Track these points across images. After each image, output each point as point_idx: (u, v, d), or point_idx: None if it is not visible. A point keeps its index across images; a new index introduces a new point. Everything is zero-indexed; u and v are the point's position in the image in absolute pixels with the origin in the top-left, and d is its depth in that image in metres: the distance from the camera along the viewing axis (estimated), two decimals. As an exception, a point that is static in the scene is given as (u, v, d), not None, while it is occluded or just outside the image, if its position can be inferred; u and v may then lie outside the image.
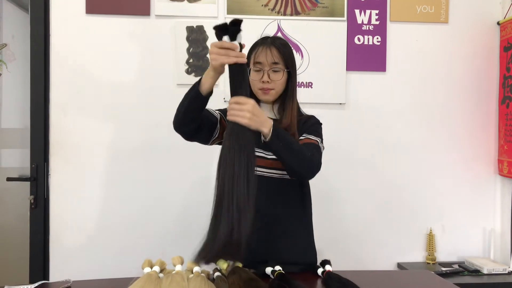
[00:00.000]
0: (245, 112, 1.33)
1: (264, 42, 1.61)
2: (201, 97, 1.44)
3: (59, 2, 2.41)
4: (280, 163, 1.55)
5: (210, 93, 1.45)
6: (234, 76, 1.37)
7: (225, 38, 1.34)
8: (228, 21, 1.34)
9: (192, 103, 1.46)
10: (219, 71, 1.40)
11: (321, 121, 1.71)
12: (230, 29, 1.34)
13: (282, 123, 1.60)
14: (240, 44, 1.36)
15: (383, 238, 2.57)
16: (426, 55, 2.58)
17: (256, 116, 1.35)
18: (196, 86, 1.44)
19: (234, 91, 1.38)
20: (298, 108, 1.68)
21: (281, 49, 1.59)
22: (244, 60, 1.35)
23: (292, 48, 2.44)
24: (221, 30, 1.35)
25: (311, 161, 1.50)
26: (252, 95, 1.64)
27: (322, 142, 1.63)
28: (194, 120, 1.50)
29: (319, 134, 1.64)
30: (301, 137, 1.60)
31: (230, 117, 1.36)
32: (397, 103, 2.57)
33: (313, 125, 1.65)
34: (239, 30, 1.34)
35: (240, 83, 1.37)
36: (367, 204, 2.56)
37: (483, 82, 2.62)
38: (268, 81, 1.57)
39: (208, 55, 2.40)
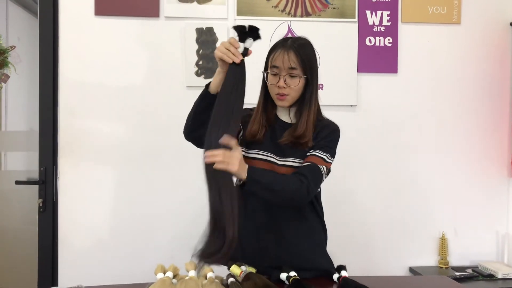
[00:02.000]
0: (217, 158, 1.33)
1: (283, 45, 1.54)
2: (209, 95, 1.49)
3: (67, 4, 2.39)
4: (293, 169, 1.54)
5: (215, 95, 1.47)
6: (228, 75, 1.42)
7: (236, 38, 1.43)
8: (246, 24, 1.44)
9: (200, 103, 1.52)
10: (221, 67, 1.45)
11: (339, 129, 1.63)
12: (241, 31, 1.42)
13: (296, 130, 1.55)
14: (246, 48, 1.42)
15: (394, 242, 2.53)
16: (438, 56, 2.55)
17: (227, 162, 1.33)
18: (206, 86, 1.52)
19: (222, 90, 1.42)
20: (319, 112, 1.61)
21: (300, 52, 1.52)
22: (237, 60, 1.40)
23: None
24: (236, 29, 1.44)
25: (299, 191, 1.44)
26: (268, 98, 1.62)
27: (331, 156, 1.55)
28: (203, 123, 1.47)
29: (329, 148, 1.55)
30: (308, 152, 1.54)
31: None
32: (409, 104, 2.54)
33: (328, 136, 1.57)
34: (248, 35, 1.41)
35: (231, 83, 1.41)
36: (378, 207, 2.53)
37: (496, 84, 2.59)
38: (284, 86, 1.52)
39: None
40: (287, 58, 1.51)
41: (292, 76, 1.52)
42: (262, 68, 1.60)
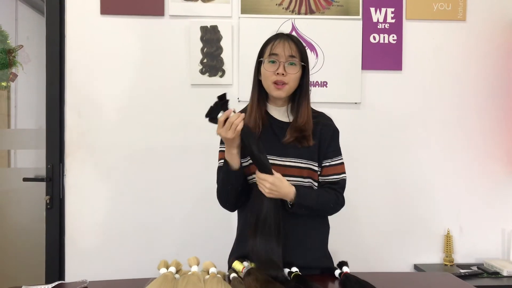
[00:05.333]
0: (264, 188, 1.46)
1: (281, 36, 1.60)
2: (235, 172, 1.52)
3: (74, 3, 2.42)
4: (296, 169, 1.57)
5: (241, 167, 1.53)
6: (244, 136, 1.46)
7: (220, 114, 1.46)
8: (221, 92, 1.49)
9: (228, 178, 1.55)
10: (234, 143, 1.48)
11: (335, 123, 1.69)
12: (220, 105, 1.46)
13: (297, 123, 1.57)
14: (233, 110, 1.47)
15: (399, 239, 2.53)
16: (442, 54, 2.54)
17: (276, 190, 1.46)
18: (224, 166, 1.54)
19: (248, 151, 1.48)
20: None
21: (299, 44, 1.59)
22: (242, 116, 1.45)
23: (306, 47, 2.40)
24: (212, 114, 1.46)
25: (335, 207, 1.63)
26: (262, 91, 1.63)
27: (341, 155, 1.66)
28: (239, 191, 1.56)
29: (340, 150, 1.66)
30: (325, 163, 1.61)
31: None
32: (413, 102, 2.53)
33: (335, 139, 1.65)
34: (226, 102, 1.47)
35: (251, 141, 1.47)
36: (383, 205, 2.53)
37: (501, 81, 2.57)
38: (283, 74, 1.54)
39: (221, 56, 2.42)
40: (288, 46, 1.55)
41: (291, 64, 1.55)
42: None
